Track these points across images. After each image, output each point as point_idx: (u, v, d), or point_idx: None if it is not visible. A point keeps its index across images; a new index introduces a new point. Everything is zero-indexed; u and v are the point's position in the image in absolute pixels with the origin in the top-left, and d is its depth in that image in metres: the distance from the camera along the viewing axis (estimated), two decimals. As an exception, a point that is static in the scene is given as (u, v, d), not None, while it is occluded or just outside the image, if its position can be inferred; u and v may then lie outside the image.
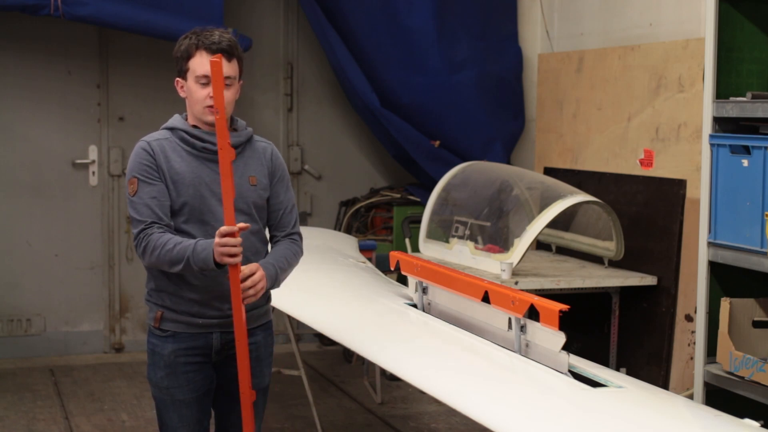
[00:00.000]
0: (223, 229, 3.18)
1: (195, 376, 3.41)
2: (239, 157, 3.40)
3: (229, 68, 3.33)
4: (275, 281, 3.39)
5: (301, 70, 7.50)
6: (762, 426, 2.91)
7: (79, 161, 7.04)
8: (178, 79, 3.43)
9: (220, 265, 3.22)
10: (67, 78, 6.98)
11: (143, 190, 3.31)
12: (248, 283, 3.24)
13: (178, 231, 3.35)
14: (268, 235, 3.56)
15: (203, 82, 3.34)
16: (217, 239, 3.19)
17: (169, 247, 3.24)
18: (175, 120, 3.45)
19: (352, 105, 7.32)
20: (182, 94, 3.44)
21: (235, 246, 3.17)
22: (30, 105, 6.89)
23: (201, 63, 3.33)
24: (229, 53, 3.33)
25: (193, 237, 3.32)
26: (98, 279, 7.14)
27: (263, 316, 3.53)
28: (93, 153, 7.06)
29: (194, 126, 3.41)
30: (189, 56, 3.37)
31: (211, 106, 3.32)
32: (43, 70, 6.90)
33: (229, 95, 3.34)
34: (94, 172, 7.08)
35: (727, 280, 4.41)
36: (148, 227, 3.29)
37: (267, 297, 3.55)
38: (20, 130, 6.89)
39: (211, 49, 3.32)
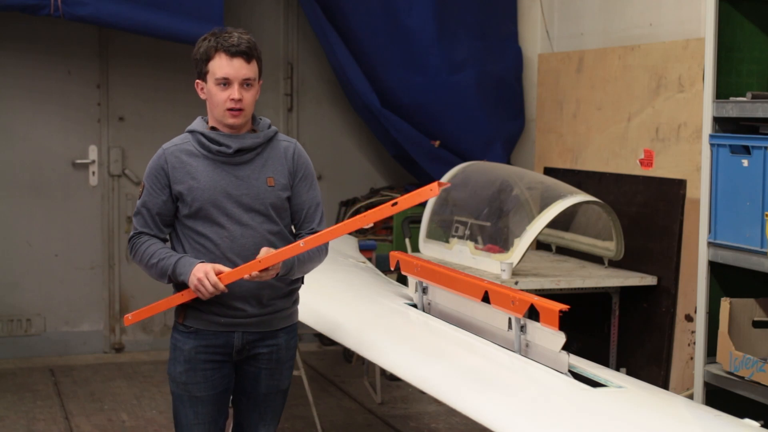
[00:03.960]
0: (212, 279, 3.30)
1: (213, 374, 3.44)
2: (258, 158, 3.44)
3: (248, 70, 3.37)
4: (291, 268, 3.40)
5: (301, 70, 7.50)
6: (762, 426, 2.91)
7: (79, 161, 7.04)
8: (198, 81, 3.45)
9: None
10: (67, 78, 6.98)
11: (144, 198, 3.44)
12: (259, 273, 3.31)
13: (195, 233, 3.41)
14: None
15: (223, 83, 3.36)
16: (199, 275, 3.30)
17: (153, 262, 3.40)
18: (196, 123, 3.49)
19: (352, 105, 7.32)
20: (203, 96, 3.46)
21: (206, 292, 3.31)
22: (30, 105, 6.89)
23: (220, 65, 3.35)
24: (248, 55, 3.37)
25: (208, 239, 3.39)
26: (98, 279, 7.14)
27: (287, 319, 3.55)
28: (93, 153, 7.07)
29: (212, 128, 3.44)
30: (208, 58, 3.38)
31: (231, 109, 3.37)
32: (43, 70, 6.91)
33: (250, 96, 3.39)
34: (94, 172, 7.08)
35: (727, 280, 4.41)
36: (137, 235, 3.46)
37: (294, 300, 3.57)
38: (20, 130, 6.89)
39: (231, 52, 3.35)
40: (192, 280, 3.31)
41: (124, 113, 7.12)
